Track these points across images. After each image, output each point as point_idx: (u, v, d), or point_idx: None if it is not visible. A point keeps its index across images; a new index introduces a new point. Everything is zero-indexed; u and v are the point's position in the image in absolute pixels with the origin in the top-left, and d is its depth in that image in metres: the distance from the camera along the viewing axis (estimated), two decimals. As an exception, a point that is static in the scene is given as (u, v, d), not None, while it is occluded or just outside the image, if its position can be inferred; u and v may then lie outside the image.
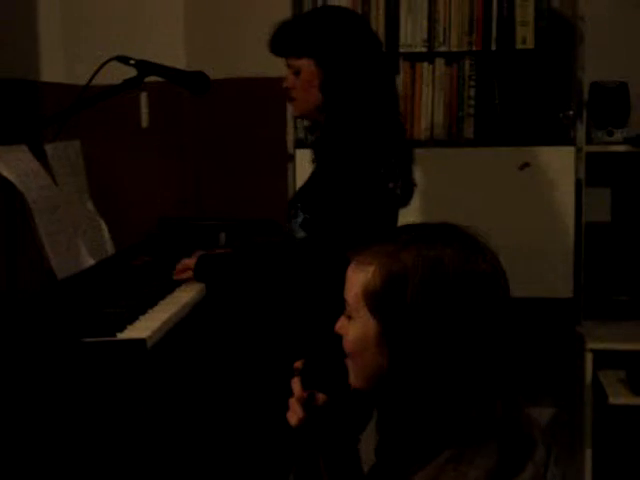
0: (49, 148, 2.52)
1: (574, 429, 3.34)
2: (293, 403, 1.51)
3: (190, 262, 2.46)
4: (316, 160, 2.41)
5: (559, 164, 3.18)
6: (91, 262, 2.51)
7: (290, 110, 3.16)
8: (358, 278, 1.40)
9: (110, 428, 1.85)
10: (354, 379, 1.44)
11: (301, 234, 2.34)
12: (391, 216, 2.40)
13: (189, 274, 2.45)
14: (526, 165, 3.19)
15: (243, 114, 3.61)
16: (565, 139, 3.20)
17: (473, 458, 1.34)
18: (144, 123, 3.68)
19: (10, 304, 2.15)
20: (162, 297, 2.32)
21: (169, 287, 2.43)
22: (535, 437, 1.41)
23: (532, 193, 3.20)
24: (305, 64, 2.35)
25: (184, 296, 2.36)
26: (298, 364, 1.53)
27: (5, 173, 2.26)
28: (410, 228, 1.47)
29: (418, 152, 3.28)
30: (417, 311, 1.34)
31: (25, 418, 1.83)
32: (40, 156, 2.49)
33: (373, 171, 2.28)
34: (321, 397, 1.50)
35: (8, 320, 1.99)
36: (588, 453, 3.15)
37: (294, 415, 1.51)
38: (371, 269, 1.38)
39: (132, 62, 2.48)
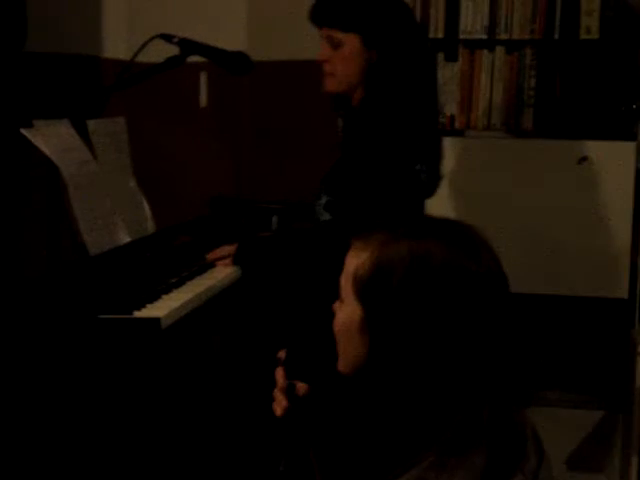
0: (91, 124, 2.52)
1: (623, 433, 3.24)
2: (277, 393, 1.50)
3: (231, 248, 2.45)
4: (343, 141, 2.37)
5: (619, 159, 3.07)
6: (127, 240, 2.51)
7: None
8: (352, 263, 1.39)
9: (118, 406, 1.84)
10: (340, 363, 1.42)
11: (325, 216, 2.31)
12: (416, 200, 2.34)
13: (228, 261, 2.43)
14: (584, 159, 3.09)
15: (300, 97, 3.57)
16: (627, 134, 3.09)
17: (457, 468, 1.29)
18: (202, 103, 3.68)
19: (37, 280, 2.17)
20: (191, 278, 2.31)
21: (201, 269, 2.41)
22: (527, 447, 1.35)
23: (589, 188, 3.10)
24: (350, 39, 2.30)
25: (214, 278, 2.34)
26: (281, 354, 1.52)
27: (42, 147, 2.28)
28: (411, 220, 1.44)
29: (474, 140, 3.24)
30: (400, 303, 1.31)
31: (38, 391, 1.84)
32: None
33: (399, 152, 2.23)
34: (302, 387, 1.50)
35: (30, 295, 2.01)
36: (635, 460, 3.05)
37: (278, 405, 1.50)
38: (364, 255, 1.36)
39: (175, 40, 2.48)
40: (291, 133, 3.64)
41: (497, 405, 1.33)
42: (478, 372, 1.31)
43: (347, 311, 1.38)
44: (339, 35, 2.30)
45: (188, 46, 2.46)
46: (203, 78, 3.66)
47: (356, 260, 1.38)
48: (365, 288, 1.35)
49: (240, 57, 2.46)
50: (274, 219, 3.14)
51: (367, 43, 2.28)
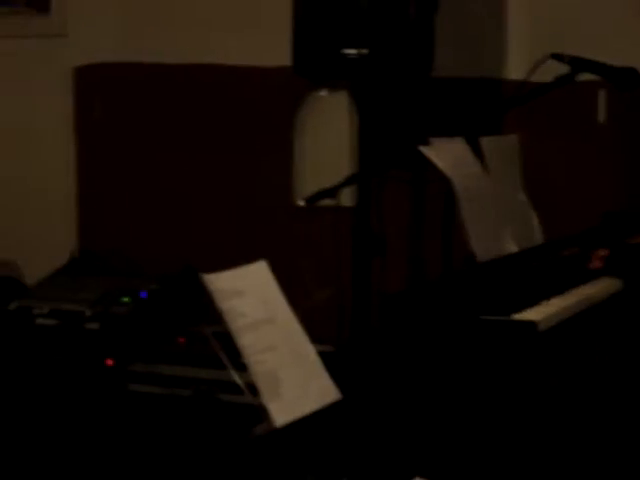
0: (484, 141, 2.69)
1: None
2: None
3: (603, 252, 2.49)
4: None
5: None
6: (514, 249, 2.64)
7: None
8: None
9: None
10: None
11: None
12: None
13: (599, 264, 2.48)
14: None
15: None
16: None
17: None
18: (601, 119, 3.71)
19: (431, 283, 2.39)
20: (571, 287, 2.39)
21: (584, 278, 2.48)
22: None
23: None
24: None
25: (594, 289, 2.40)
26: None
27: (436, 162, 2.50)
28: None
29: None
30: None
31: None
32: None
33: None
34: None
35: (425, 296, 2.22)
36: None
37: None
38: None
39: (566, 59, 2.58)
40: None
41: None
42: None
43: None
44: None
45: (578, 64, 2.56)
46: (602, 95, 3.69)
47: None
48: None
49: (629, 73, 2.50)
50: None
51: None
